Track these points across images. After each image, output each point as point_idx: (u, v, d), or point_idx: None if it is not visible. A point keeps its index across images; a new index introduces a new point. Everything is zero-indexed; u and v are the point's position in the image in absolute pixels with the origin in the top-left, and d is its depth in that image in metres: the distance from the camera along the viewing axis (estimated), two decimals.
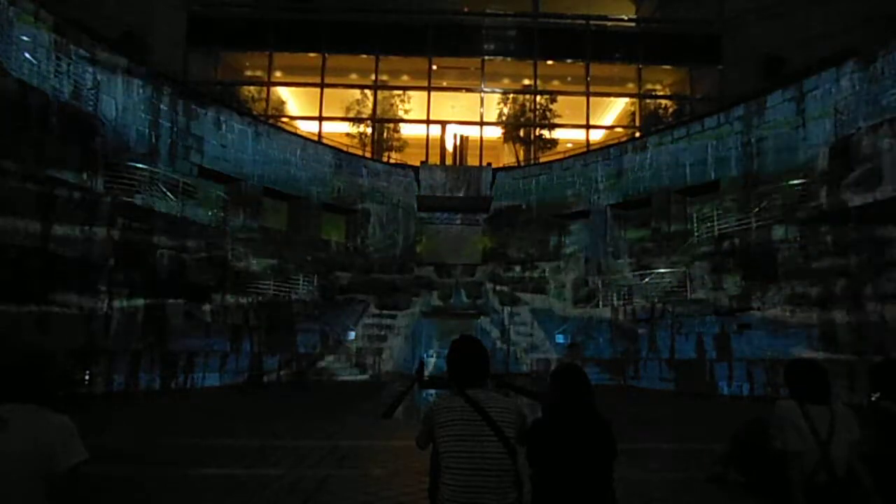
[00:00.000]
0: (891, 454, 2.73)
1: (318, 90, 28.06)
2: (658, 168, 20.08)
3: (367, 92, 28.21)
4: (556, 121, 28.43)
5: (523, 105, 28.81)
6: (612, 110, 31.60)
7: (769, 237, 15.51)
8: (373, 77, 28.44)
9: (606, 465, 2.34)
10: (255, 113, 24.16)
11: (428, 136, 27.96)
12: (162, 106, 15.94)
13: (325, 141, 24.39)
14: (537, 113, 28.46)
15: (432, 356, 21.81)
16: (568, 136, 29.54)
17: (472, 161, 26.28)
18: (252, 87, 28.57)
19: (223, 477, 5.77)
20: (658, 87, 30.60)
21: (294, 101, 30.30)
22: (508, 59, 29.38)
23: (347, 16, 27.71)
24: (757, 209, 16.10)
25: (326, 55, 27.91)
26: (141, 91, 15.33)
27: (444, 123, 27.82)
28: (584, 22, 28.55)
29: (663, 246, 19.42)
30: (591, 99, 28.87)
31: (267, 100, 28.02)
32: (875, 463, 2.66)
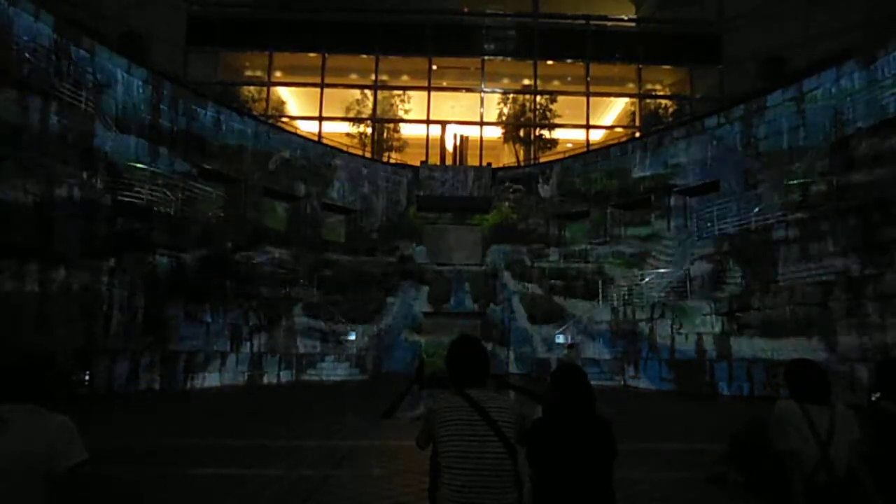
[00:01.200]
0: (891, 454, 2.73)
1: (318, 90, 28.05)
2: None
3: (367, 92, 28.20)
4: (556, 121, 28.43)
5: (523, 105, 28.80)
6: (612, 110, 31.58)
7: (769, 237, 15.51)
8: (373, 77, 28.43)
9: (606, 466, 2.34)
10: (254, 112, 24.10)
11: (428, 136, 27.93)
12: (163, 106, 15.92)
13: (325, 141, 24.36)
14: (537, 113, 28.45)
15: (433, 356, 20.49)
16: (568, 136, 29.52)
17: (472, 161, 26.23)
18: (252, 87, 28.56)
19: (223, 477, 5.76)
20: (658, 87, 30.59)
21: (294, 101, 30.27)
22: (508, 59, 29.37)
23: (347, 16, 27.70)
24: (757, 208, 16.08)
25: (326, 55, 27.90)
26: (141, 91, 15.33)
27: (444, 123, 27.80)
28: (584, 22, 28.55)
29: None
30: (591, 99, 28.86)
31: (267, 100, 28.01)
32: (875, 463, 2.66)
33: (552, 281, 16.84)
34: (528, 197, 19.74)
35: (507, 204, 19.64)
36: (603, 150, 21.32)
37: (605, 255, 17.61)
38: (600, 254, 17.57)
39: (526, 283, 17.52)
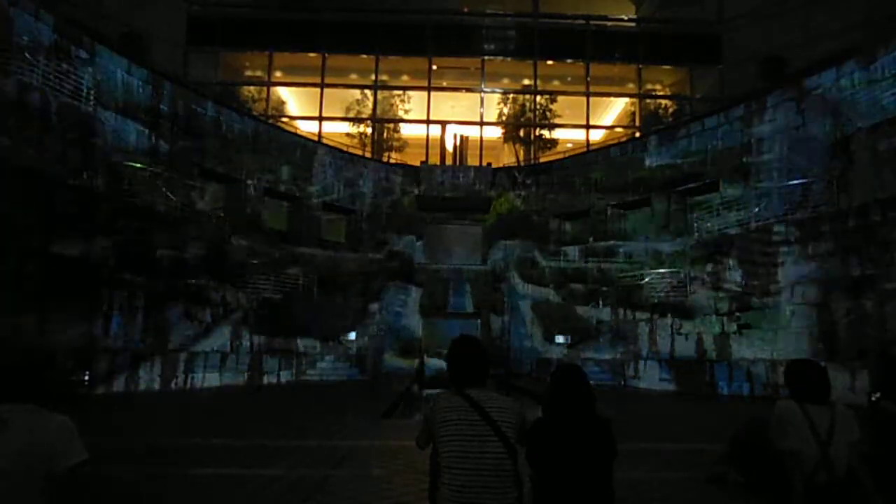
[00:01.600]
0: (891, 454, 2.73)
1: (318, 90, 28.04)
2: None
3: (367, 92, 28.19)
4: (556, 121, 28.41)
5: (523, 105, 28.79)
6: (612, 110, 31.57)
7: (769, 237, 15.50)
8: (373, 77, 28.42)
9: (606, 466, 2.34)
10: (255, 113, 24.07)
11: (428, 136, 27.92)
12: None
13: (325, 141, 24.35)
14: (537, 113, 28.45)
15: (432, 356, 20.19)
16: (568, 136, 29.53)
17: (472, 161, 26.21)
18: (252, 87, 28.57)
19: (223, 477, 5.76)
20: (658, 87, 30.59)
21: (294, 101, 30.28)
22: (508, 59, 29.36)
23: (347, 16, 27.70)
24: (757, 209, 16.08)
25: (326, 55, 27.89)
26: (141, 91, 15.31)
27: (444, 123, 27.78)
28: (584, 22, 28.55)
29: None
30: (591, 99, 28.85)
31: (267, 100, 28.01)
32: (875, 463, 2.66)
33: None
34: (537, 188, 18.37)
35: (517, 198, 18.37)
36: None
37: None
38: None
39: (534, 285, 16.03)
